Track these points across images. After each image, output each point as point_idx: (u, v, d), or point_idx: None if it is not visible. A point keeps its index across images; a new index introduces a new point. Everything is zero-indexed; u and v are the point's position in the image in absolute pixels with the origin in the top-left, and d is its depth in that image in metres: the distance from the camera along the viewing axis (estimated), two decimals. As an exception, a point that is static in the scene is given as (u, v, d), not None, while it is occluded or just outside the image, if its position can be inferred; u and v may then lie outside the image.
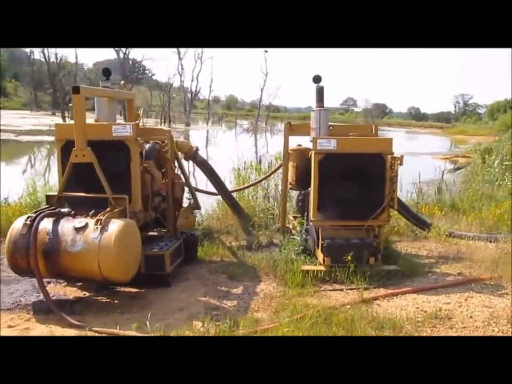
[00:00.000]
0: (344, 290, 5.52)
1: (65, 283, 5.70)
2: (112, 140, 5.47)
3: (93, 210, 5.06)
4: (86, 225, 4.86)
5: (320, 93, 6.59)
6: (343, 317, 4.61)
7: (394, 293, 5.35)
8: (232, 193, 8.59)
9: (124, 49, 48.26)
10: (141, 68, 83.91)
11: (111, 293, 5.54)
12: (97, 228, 4.81)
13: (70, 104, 50.69)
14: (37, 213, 5.01)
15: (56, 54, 52.21)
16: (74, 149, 5.14)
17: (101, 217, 4.88)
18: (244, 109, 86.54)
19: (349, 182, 5.88)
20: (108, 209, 5.14)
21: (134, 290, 5.61)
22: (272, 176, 9.10)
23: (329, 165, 5.84)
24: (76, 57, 53.91)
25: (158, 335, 4.12)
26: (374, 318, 4.64)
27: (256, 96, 57.18)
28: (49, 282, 5.71)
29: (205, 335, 4.16)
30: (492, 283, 5.66)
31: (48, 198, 5.41)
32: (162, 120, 46.39)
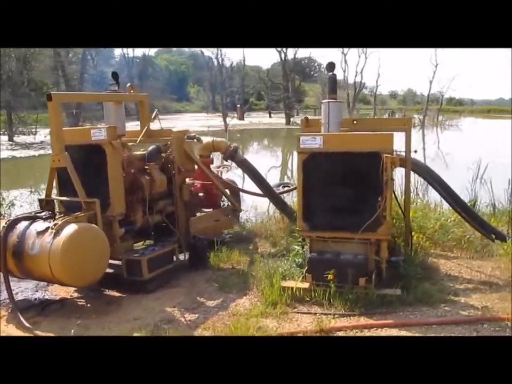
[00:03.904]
0: (318, 314, 4.67)
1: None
2: (91, 144, 5.51)
3: (62, 215, 5.16)
4: (46, 229, 4.96)
5: (332, 82, 5.69)
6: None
7: (367, 324, 4.30)
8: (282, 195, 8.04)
9: (284, 49, 49.00)
10: (316, 66, 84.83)
11: (97, 295, 5.60)
12: (52, 232, 4.88)
13: (238, 105, 54.56)
14: (16, 217, 5.30)
15: (222, 56, 55.16)
16: (52, 154, 5.31)
17: (58, 221, 4.94)
18: (422, 103, 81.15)
19: (339, 186, 4.94)
20: (77, 213, 5.19)
21: (117, 294, 5.60)
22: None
23: (315, 166, 4.99)
24: (244, 61, 56.86)
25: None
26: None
27: (435, 89, 52.93)
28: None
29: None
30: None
31: (40, 201, 5.68)
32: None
